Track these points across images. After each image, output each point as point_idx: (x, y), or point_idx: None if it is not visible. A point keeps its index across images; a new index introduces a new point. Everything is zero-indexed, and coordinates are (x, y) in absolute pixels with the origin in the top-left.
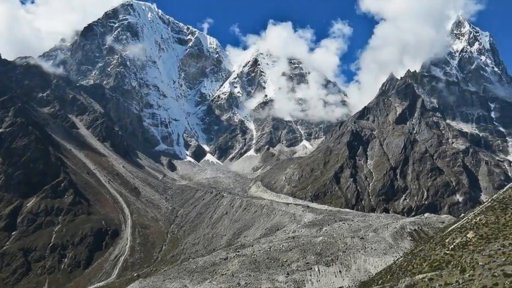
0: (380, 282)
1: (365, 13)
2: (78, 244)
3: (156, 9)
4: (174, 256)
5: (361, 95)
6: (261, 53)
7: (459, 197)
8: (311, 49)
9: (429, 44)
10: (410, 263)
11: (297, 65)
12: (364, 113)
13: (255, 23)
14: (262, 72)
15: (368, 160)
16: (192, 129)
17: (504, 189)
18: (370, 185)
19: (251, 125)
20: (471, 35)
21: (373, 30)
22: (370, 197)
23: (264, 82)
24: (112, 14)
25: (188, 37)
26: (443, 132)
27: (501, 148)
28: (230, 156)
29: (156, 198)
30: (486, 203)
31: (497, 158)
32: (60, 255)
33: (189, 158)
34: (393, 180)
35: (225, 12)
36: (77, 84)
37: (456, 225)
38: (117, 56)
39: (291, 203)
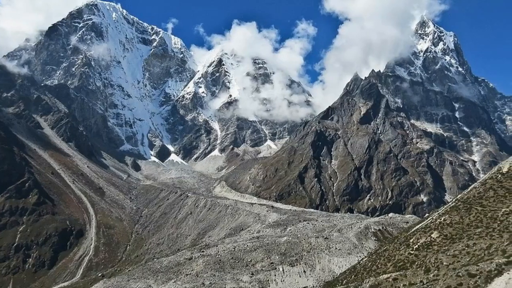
0: (344, 282)
1: (329, 13)
2: (43, 244)
3: (121, 9)
4: (138, 256)
5: (326, 95)
6: (226, 53)
7: (423, 197)
8: (276, 49)
9: (394, 44)
10: (375, 263)
11: (261, 65)
12: (328, 113)
13: (219, 23)
14: (227, 72)
15: (333, 160)
16: (157, 129)
17: (469, 189)
18: (335, 185)
19: (215, 125)
20: (436, 35)
21: (337, 30)
22: (335, 197)
23: (229, 82)
24: (76, 14)
25: (153, 37)
26: (408, 132)
27: (465, 148)
28: (195, 156)
29: (121, 198)
30: (450, 203)
31: (461, 158)
32: (25, 255)
33: (153, 158)
34: (357, 180)
35: (190, 12)
36: (42, 84)
37: (420, 225)
38: (82, 56)
39: (255, 203)
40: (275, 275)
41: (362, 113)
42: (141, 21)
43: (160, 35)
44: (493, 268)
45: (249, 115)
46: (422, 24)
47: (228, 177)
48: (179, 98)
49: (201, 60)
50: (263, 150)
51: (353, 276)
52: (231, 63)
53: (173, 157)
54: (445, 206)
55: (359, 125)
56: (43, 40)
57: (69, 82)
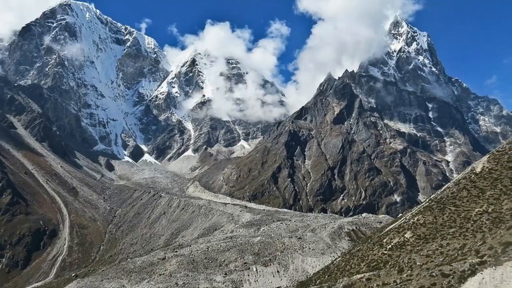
0: (318, 282)
1: (302, 13)
2: (16, 244)
3: (94, 9)
4: (112, 256)
5: (299, 95)
6: (199, 53)
7: (396, 197)
8: (249, 49)
9: (367, 44)
10: (348, 263)
11: (235, 65)
12: (302, 113)
13: (192, 23)
14: (200, 72)
15: (306, 160)
16: (130, 129)
17: (442, 189)
18: (308, 185)
19: (189, 125)
20: (409, 35)
21: (310, 30)
22: (308, 197)
23: (202, 82)
24: (50, 14)
25: (126, 37)
26: (381, 132)
27: (438, 148)
28: (168, 156)
29: (94, 198)
30: (424, 203)
31: (434, 158)
32: None
33: (127, 158)
34: (331, 180)
35: (163, 12)
36: (15, 84)
37: (394, 225)
38: (55, 56)
39: (229, 203)
40: (248, 275)
41: (335, 113)
42: (114, 21)
43: (133, 35)
44: (466, 268)
45: (222, 115)
46: (396, 24)
47: (202, 177)
48: (152, 98)
49: (175, 60)
50: (236, 150)
51: (326, 276)
52: (205, 63)
53: (146, 157)
54: (419, 206)
55: (332, 125)
56: (17, 40)
57: (42, 82)
